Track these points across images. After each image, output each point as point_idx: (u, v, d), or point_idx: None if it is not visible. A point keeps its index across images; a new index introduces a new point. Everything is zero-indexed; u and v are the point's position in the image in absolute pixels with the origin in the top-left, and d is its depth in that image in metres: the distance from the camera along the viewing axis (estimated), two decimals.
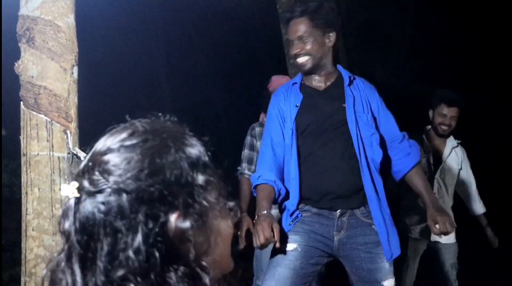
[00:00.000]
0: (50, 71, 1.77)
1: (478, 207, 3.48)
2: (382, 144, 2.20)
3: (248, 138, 3.18)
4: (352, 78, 2.25)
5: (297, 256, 2.03)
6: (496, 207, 5.76)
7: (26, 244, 1.74)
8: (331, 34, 2.20)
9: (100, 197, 0.70)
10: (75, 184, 0.72)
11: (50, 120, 1.76)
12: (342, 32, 8.25)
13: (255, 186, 2.14)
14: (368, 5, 8.60)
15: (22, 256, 1.75)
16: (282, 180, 2.15)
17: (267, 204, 2.04)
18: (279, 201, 2.16)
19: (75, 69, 1.85)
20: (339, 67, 2.31)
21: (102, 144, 0.76)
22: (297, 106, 2.19)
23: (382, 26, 8.94)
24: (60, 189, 0.73)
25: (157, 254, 0.69)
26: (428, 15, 8.47)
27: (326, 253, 2.09)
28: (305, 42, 2.15)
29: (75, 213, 0.71)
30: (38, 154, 1.75)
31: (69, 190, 0.72)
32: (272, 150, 2.19)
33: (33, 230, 1.73)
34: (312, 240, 2.05)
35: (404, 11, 8.86)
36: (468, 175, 3.46)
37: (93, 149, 0.77)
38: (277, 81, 3.20)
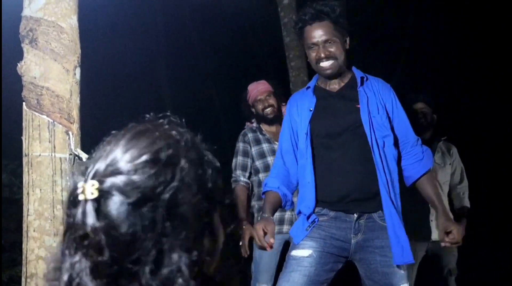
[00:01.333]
0: (52, 72, 1.77)
1: (463, 199, 3.45)
2: (396, 146, 2.20)
3: (241, 144, 3.13)
4: (365, 79, 2.25)
5: (312, 262, 2.04)
6: (496, 207, 5.78)
7: (27, 245, 1.74)
8: (347, 38, 2.22)
9: (136, 207, 0.67)
10: (95, 183, 0.68)
11: (52, 121, 1.76)
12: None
13: (263, 193, 2.24)
14: (368, 8, 8.61)
15: (23, 257, 1.75)
16: (292, 185, 2.22)
17: (269, 208, 2.12)
18: (286, 205, 2.23)
19: (78, 70, 1.85)
20: (354, 68, 2.31)
21: (132, 149, 0.71)
22: (311, 110, 2.20)
23: (382, 28, 8.95)
24: (66, 189, 0.69)
25: (191, 273, 0.67)
26: (429, 16, 8.48)
27: (342, 257, 2.09)
28: (330, 46, 2.14)
29: (100, 215, 0.67)
30: (40, 155, 1.75)
31: (88, 189, 0.68)
32: (282, 158, 2.25)
33: (34, 231, 1.73)
34: (328, 246, 2.06)
35: (405, 12, 8.87)
36: (457, 169, 3.46)
37: (115, 152, 0.71)
38: (254, 90, 3.17)
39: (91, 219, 0.67)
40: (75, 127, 1.82)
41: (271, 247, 2.04)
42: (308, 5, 2.20)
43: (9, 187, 4.39)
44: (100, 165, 0.70)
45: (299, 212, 2.18)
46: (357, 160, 2.10)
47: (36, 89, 1.76)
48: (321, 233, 2.07)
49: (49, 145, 1.76)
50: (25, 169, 1.77)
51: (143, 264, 0.66)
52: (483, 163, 6.24)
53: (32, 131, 1.75)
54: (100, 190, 0.67)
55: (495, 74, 7.48)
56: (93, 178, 0.69)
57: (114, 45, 7.21)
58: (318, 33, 2.14)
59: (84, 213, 0.67)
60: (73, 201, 0.70)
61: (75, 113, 1.82)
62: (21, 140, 1.81)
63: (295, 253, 2.08)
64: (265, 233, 2.00)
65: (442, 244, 2.11)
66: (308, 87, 2.29)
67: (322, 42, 2.14)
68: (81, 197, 0.68)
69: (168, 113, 0.78)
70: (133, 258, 0.65)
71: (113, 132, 0.75)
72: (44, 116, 1.76)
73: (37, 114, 1.76)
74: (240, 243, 2.97)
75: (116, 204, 0.66)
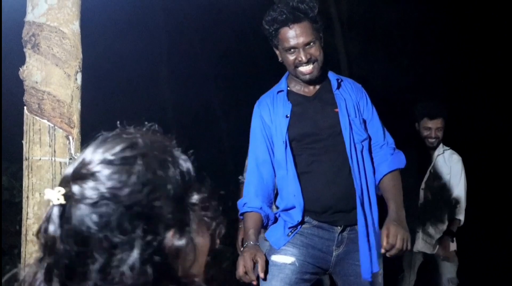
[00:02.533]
0: (54, 77, 1.79)
1: (454, 211, 3.36)
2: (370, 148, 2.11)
3: None
4: (339, 81, 2.12)
5: (294, 270, 1.94)
6: (496, 208, 5.77)
7: (25, 248, 1.75)
8: (322, 35, 2.04)
9: (95, 208, 0.68)
10: (61, 189, 0.71)
11: (53, 125, 1.78)
12: (343, 37, 8.32)
13: (242, 214, 2.05)
14: (369, 9, 8.63)
15: (21, 260, 1.76)
16: (271, 200, 2.06)
17: (254, 235, 1.96)
18: (268, 226, 2.05)
19: (79, 76, 1.87)
20: (330, 72, 2.16)
21: (95, 153, 0.74)
22: (287, 117, 2.03)
23: (383, 30, 8.97)
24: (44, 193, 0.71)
25: (150, 271, 0.68)
26: (430, 18, 8.50)
27: (321, 269, 2.01)
28: (311, 48, 1.98)
29: (62, 221, 0.70)
30: (40, 158, 1.76)
31: (54, 196, 0.71)
32: (258, 171, 2.05)
33: (33, 234, 1.74)
34: (309, 255, 1.97)
35: (406, 14, 8.89)
36: (454, 179, 3.38)
37: (82, 157, 0.75)
38: None
39: (52, 225, 0.70)
40: (76, 131, 1.83)
41: (258, 283, 1.90)
42: (282, 2, 2.00)
43: (9, 190, 4.41)
44: (68, 171, 0.74)
45: (279, 216, 2.06)
46: (340, 168, 1.99)
47: (38, 93, 1.78)
48: (303, 240, 1.98)
49: (49, 150, 1.77)
50: (25, 172, 1.78)
51: (96, 263, 0.67)
52: (483, 164, 6.25)
53: (33, 135, 1.77)
54: (65, 195, 0.70)
55: (498, 76, 7.49)
56: (60, 184, 0.73)
57: (116, 49, 7.25)
58: (297, 36, 1.95)
59: (48, 218, 0.71)
60: (47, 207, 0.73)
61: (76, 118, 1.84)
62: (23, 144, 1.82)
63: (276, 258, 1.97)
64: (254, 264, 1.87)
65: (382, 251, 1.89)
66: (280, 91, 2.11)
67: (302, 45, 1.96)
68: (50, 203, 0.71)
69: (146, 122, 0.82)
70: (86, 258, 0.68)
71: (90, 143, 0.78)
72: (45, 121, 1.77)
73: (38, 118, 1.77)
74: (238, 242, 2.98)
75: (78, 208, 0.69)
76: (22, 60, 1.86)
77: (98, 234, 0.67)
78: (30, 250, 1.74)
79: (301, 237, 1.99)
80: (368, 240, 1.96)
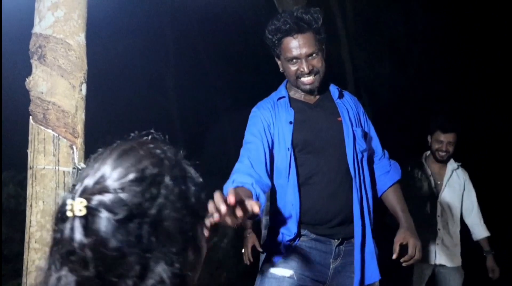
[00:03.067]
0: (59, 87, 1.83)
1: (479, 230, 3.43)
2: (370, 159, 2.12)
3: None
4: (340, 91, 2.13)
5: (292, 283, 1.92)
6: (496, 208, 5.73)
7: (28, 256, 1.77)
8: (324, 47, 2.03)
9: (123, 224, 0.69)
10: (83, 201, 0.70)
11: (57, 135, 1.81)
12: (349, 48, 8.36)
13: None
14: (373, 12, 8.68)
15: (24, 268, 1.78)
16: (264, 190, 1.87)
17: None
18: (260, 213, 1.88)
19: (84, 86, 1.90)
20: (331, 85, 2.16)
21: (119, 167, 0.74)
22: (291, 123, 1.98)
23: (389, 40, 9.00)
24: (63, 203, 0.70)
25: (177, 283, 0.70)
26: (435, 20, 8.52)
27: (318, 282, 1.99)
28: (313, 59, 1.97)
29: (87, 232, 0.69)
30: (44, 167, 1.79)
31: (77, 207, 0.70)
32: (251, 166, 1.89)
33: (36, 242, 1.76)
34: (307, 269, 1.95)
35: (411, 17, 8.92)
36: (469, 197, 3.44)
37: (103, 169, 0.74)
38: None
39: (78, 236, 0.69)
40: (79, 141, 1.87)
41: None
42: (286, 12, 2.00)
43: (15, 198, 4.45)
44: (88, 183, 0.73)
45: (274, 228, 2.01)
46: (342, 180, 1.97)
47: (43, 103, 1.81)
48: (301, 253, 1.95)
49: (53, 159, 1.80)
50: (29, 181, 1.81)
51: (126, 278, 0.68)
52: (484, 165, 6.23)
53: (38, 144, 1.80)
54: (88, 207, 0.70)
55: (501, 78, 7.49)
56: (81, 195, 0.72)
57: (121, 60, 7.34)
58: (300, 46, 1.94)
59: (72, 230, 0.70)
60: (61, 217, 0.72)
61: (80, 128, 1.87)
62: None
63: (275, 271, 1.94)
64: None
65: (394, 256, 1.92)
66: (282, 97, 2.08)
67: (305, 56, 1.95)
68: (69, 214, 0.71)
69: (152, 131, 0.82)
70: (117, 272, 0.68)
71: (100, 150, 0.78)
72: (50, 130, 1.80)
73: (43, 128, 1.80)
74: (243, 251, 3.00)
75: (103, 221, 0.69)
76: (30, 71, 1.90)
77: (127, 249, 0.68)
78: (33, 257, 1.76)
79: (299, 250, 1.96)
80: (363, 252, 1.96)
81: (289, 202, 1.95)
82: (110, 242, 0.68)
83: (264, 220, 3.11)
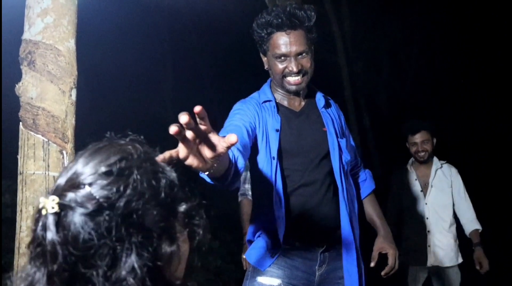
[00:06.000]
0: (49, 93, 1.83)
1: (469, 224, 3.44)
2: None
3: None
4: (327, 99, 2.06)
5: None
6: (496, 208, 5.72)
7: (18, 262, 1.77)
8: (313, 48, 1.93)
9: (92, 217, 0.71)
10: (55, 198, 0.73)
11: (47, 140, 1.81)
12: (345, 55, 8.39)
13: None
14: (371, 18, 8.72)
15: (14, 273, 1.77)
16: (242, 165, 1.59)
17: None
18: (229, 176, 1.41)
19: (74, 92, 1.91)
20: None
21: (90, 163, 0.76)
22: (277, 131, 1.88)
23: (386, 46, 9.03)
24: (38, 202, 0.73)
25: (148, 276, 0.72)
26: (433, 25, 8.55)
27: None
28: (302, 59, 1.87)
29: (59, 228, 0.72)
30: (34, 173, 1.79)
31: (49, 204, 0.73)
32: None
33: (26, 247, 1.75)
34: (293, 277, 1.91)
35: (409, 22, 8.96)
36: (459, 193, 3.46)
37: (75, 167, 0.77)
38: None
39: (50, 231, 0.72)
40: (70, 146, 1.87)
41: None
42: (278, 6, 1.90)
43: (11, 208, 4.44)
44: (61, 181, 0.76)
45: (257, 237, 1.95)
46: (327, 191, 1.91)
47: (33, 109, 1.82)
48: (287, 261, 1.90)
49: (43, 164, 1.80)
50: (19, 186, 1.81)
51: (96, 269, 0.70)
52: (483, 164, 6.23)
53: (27, 149, 1.80)
54: (60, 204, 0.72)
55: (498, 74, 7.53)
56: (53, 193, 0.75)
57: (112, 66, 7.36)
58: (291, 43, 1.84)
59: (44, 226, 0.73)
60: (37, 216, 0.75)
61: (70, 133, 1.87)
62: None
63: (262, 280, 1.90)
64: None
65: (372, 264, 1.97)
66: (268, 101, 1.96)
67: (295, 54, 1.85)
68: (43, 212, 0.73)
69: (129, 132, 0.84)
70: (87, 264, 0.70)
71: (79, 152, 0.81)
72: (39, 136, 1.81)
73: (32, 133, 1.81)
74: (243, 257, 2.99)
75: (74, 216, 0.72)
76: (19, 77, 1.91)
77: (97, 241, 0.70)
78: (22, 263, 1.75)
79: (285, 258, 1.91)
80: (351, 260, 1.94)
81: (274, 212, 1.86)
82: (80, 236, 0.70)
83: (243, 189, 3.08)
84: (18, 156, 1.83)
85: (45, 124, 1.82)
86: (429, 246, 3.39)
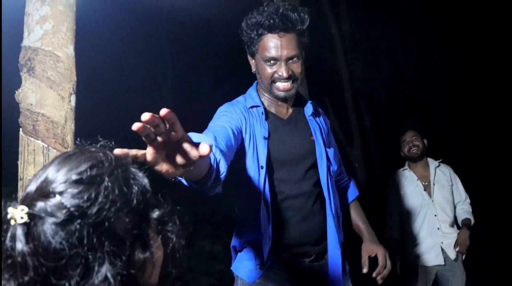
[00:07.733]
0: (48, 99, 1.85)
1: (465, 214, 3.53)
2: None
3: None
4: (315, 106, 2.01)
5: None
6: (496, 208, 5.73)
7: None
8: (304, 53, 1.84)
9: (63, 226, 0.69)
10: (24, 208, 0.70)
11: (47, 146, 1.82)
12: (345, 57, 8.40)
13: None
14: (370, 18, 8.72)
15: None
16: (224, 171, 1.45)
17: None
18: (208, 180, 1.30)
19: (73, 97, 1.92)
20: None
21: (60, 171, 0.74)
22: (265, 138, 1.79)
23: (385, 47, 9.03)
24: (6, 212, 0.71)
25: (121, 283, 0.70)
26: (432, 26, 8.57)
27: None
28: (293, 64, 1.78)
29: (29, 239, 0.69)
30: None
31: (18, 214, 0.70)
32: (215, 140, 1.52)
33: None
34: None
35: (408, 22, 8.97)
36: (458, 191, 3.57)
37: (45, 174, 0.75)
38: None
39: (19, 242, 0.69)
40: None
41: None
42: (270, 6, 1.78)
43: None
44: (31, 189, 0.74)
45: (244, 249, 1.89)
46: (315, 201, 1.87)
47: (32, 115, 1.83)
48: (276, 272, 1.84)
49: None
50: (19, 192, 1.82)
51: (68, 279, 0.68)
52: (483, 164, 6.23)
53: (27, 155, 1.81)
54: (29, 214, 0.70)
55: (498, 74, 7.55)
56: (22, 202, 0.72)
57: (111, 71, 7.38)
58: (282, 47, 1.73)
59: (13, 237, 0.70)
60: (6, 226, 0.73)
61: (69, 139, 1.88)
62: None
63: None
64: None
65: (365, 270, 1.93)
66: (255, 106, 1.86)
67: (286, 59, 1.75)
68: (12, 222, 0.71)
69: (100, 139, 0.83)
70: (58, 275, 0.68)
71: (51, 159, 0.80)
72: (39, 141, 1.82)
73: (32, 139, 1.82)
74: None
75: (44, 226, 0.69)
76: (19, 84, 1.92)
77: (68, 251, 0.68)
78: None
79: (274, 270, 1.86)
80: (337, 268, 1.92)
81: (260, 226, 1.78)
82: (51, 246, 0.68)
83: None
84: (18, 162, 1.84)
85: (45, 130, 1.83)
86: (442, 243, 3.45)
